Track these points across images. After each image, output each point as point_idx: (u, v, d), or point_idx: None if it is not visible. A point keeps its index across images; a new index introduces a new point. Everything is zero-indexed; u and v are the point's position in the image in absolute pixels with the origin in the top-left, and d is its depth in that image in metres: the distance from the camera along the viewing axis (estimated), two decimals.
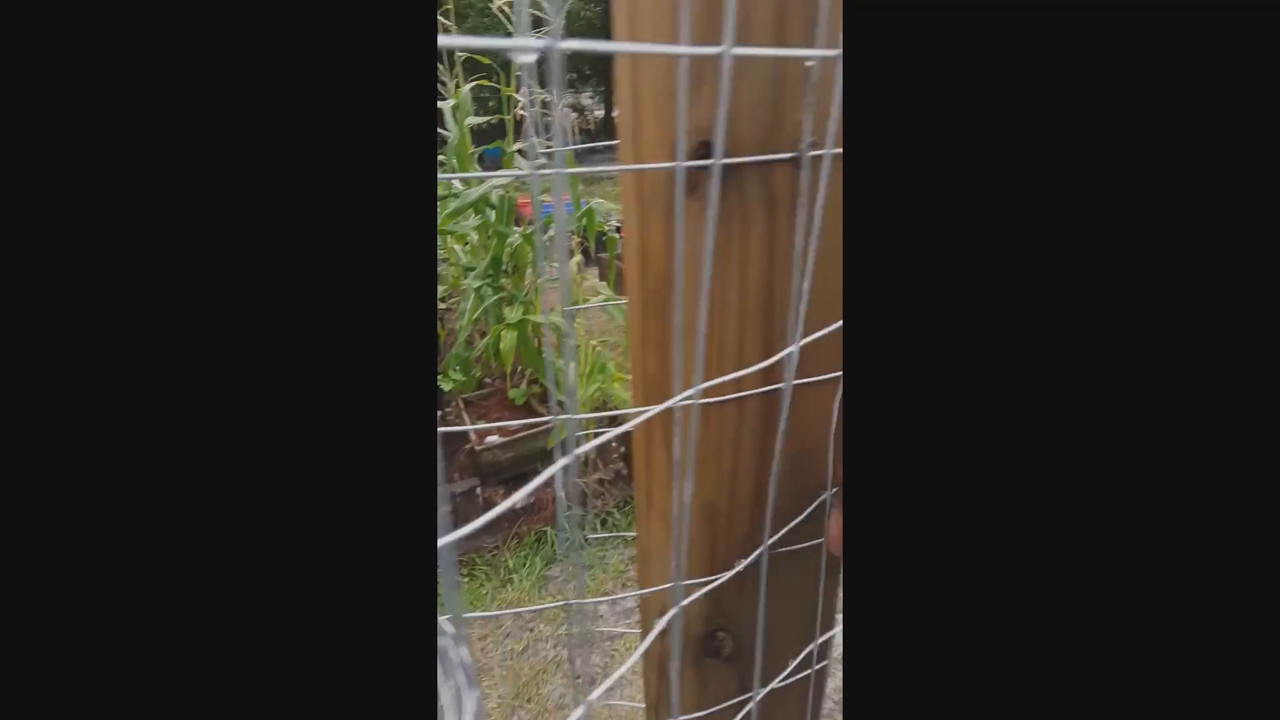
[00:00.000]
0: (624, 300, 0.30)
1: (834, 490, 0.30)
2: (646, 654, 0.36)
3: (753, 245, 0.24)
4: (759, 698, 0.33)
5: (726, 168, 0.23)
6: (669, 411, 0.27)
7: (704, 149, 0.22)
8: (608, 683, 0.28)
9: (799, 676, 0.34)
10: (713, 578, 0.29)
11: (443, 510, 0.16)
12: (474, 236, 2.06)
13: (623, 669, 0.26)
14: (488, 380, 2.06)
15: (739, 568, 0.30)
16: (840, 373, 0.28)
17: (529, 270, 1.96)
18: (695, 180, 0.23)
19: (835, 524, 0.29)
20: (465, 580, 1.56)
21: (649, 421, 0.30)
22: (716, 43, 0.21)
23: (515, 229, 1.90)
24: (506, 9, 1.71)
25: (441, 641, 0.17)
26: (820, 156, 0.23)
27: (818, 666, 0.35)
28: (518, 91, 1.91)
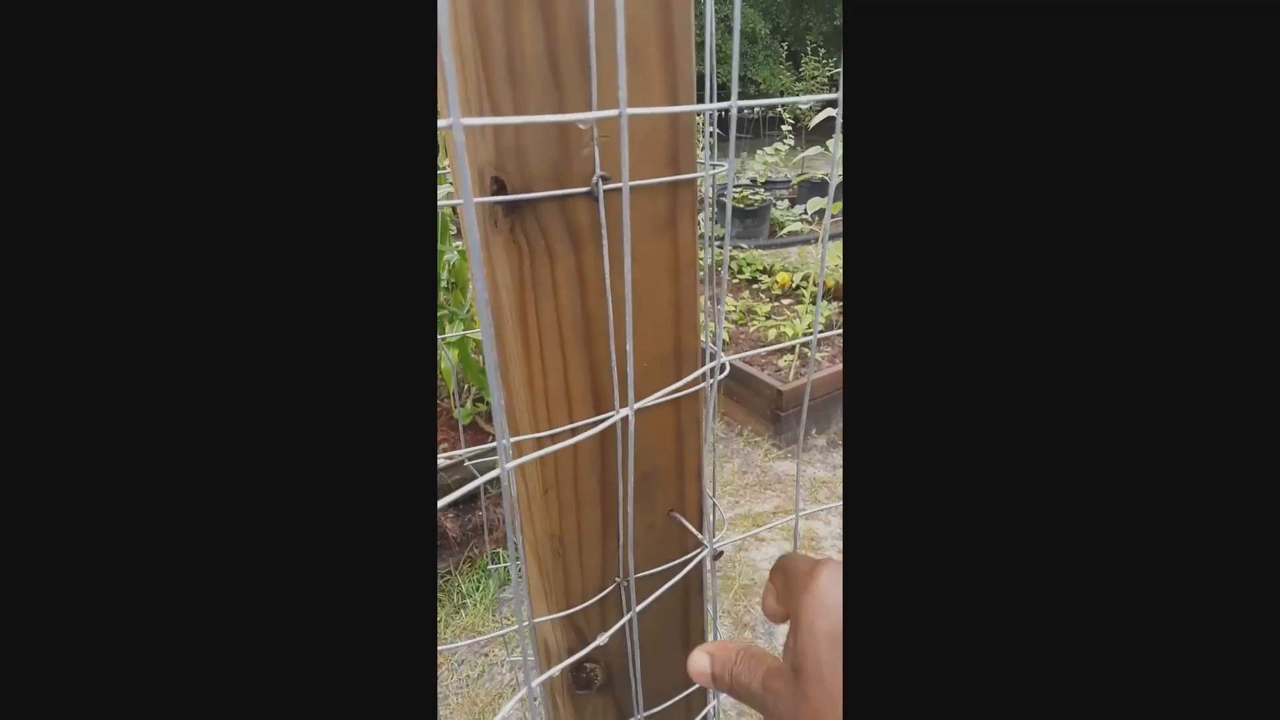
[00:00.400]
0: None
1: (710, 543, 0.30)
2: (543, 686, 0.35)
3: (561, 277, 0.24)
4: None
5: (525, 202, 0.23)
6: (523, 441, 0.27)
7: (497, 184, 0.22)
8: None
9: (680, 698, 0.34)
10: (561, 612, 0.29)
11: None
12: None
13: (506, 708, 0.25)
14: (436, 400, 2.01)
15: (595, 599, 0.29)
16: (674, 395, 0.28)
17: (469, 287, 1.93)
18: (495, 214, 0.23)
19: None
20: None
21: (520, 449, 0.29)
22: (504, 83, 0.21)
23: (456, 244, 1.86)
24: None
25: None
26: (618, 190, 0.23)
27: (696, 687, 0.35)
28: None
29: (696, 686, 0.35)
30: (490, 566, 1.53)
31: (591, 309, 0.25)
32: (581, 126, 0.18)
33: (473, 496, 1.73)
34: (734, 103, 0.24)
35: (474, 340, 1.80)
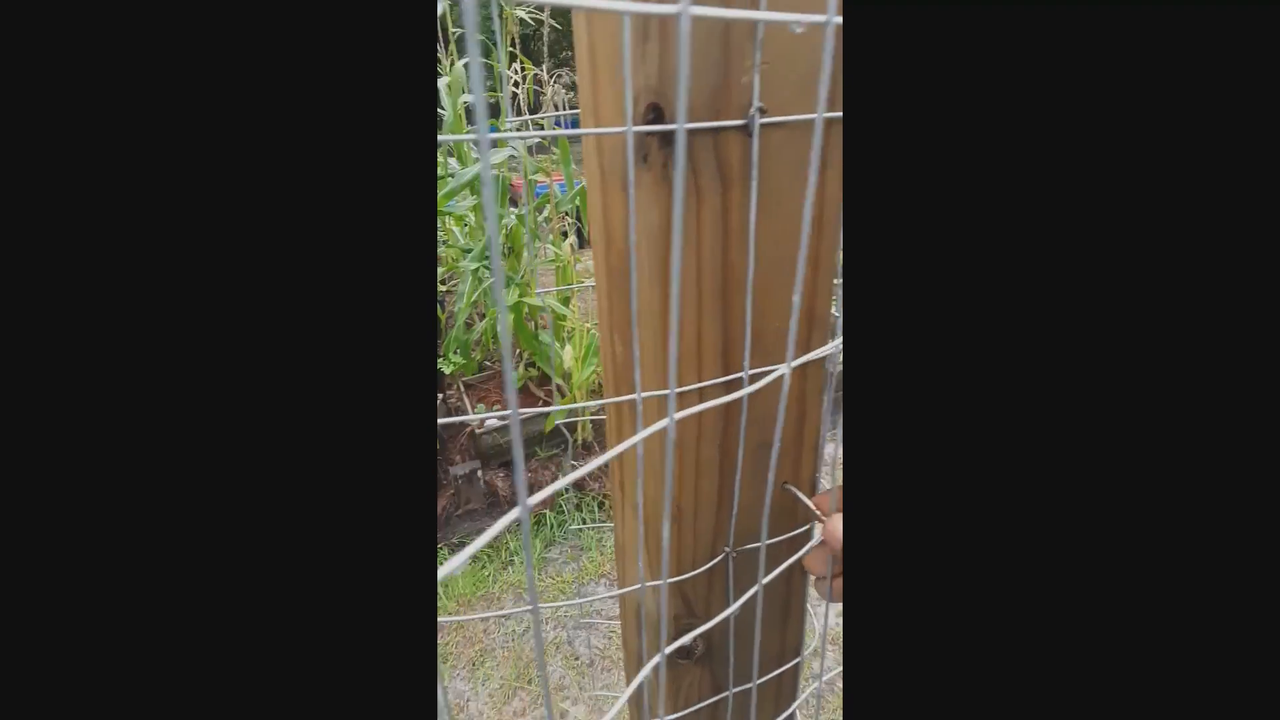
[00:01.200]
0: None
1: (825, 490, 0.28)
2: (626, 647, 0.35)
3: (706, 221, 0.22)
4: (733, 697, 0.32)
5: (675, 134, 0.20)
6: (635, 403, 0.25)
7: (653, 112, 0.20)
8: (615, 708, 0.27)
9: (773, 674, 0.33)
10: (669, 579, 0.28)
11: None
12: (471, 218, 2.04)
13: (626, 694, 0.24)
14: (488, 363, 2.05)
15: (704, 567, 0.28)
16: (802, 363, 0.26)
17: (525, 252, 1.93)
18: (647, 147, 0.21)
19: (834, 524, 0.27)
20: (468, 562, 1.57)
21: (619, 410, 0.28)
22: None
23: (512, 209, 1.87)
24: None
25: None
26: (773, 125, 0.21)
27: (791, 663, 0.33)
28: (509, 67, 1.86)
29: (790, 665, 0.34)
30: (578, 527, 1.57)
31: (733, 259, 0.23)
32: (797, 30, 0.16)
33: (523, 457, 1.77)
34: None
35: (527, 305, 1.81)
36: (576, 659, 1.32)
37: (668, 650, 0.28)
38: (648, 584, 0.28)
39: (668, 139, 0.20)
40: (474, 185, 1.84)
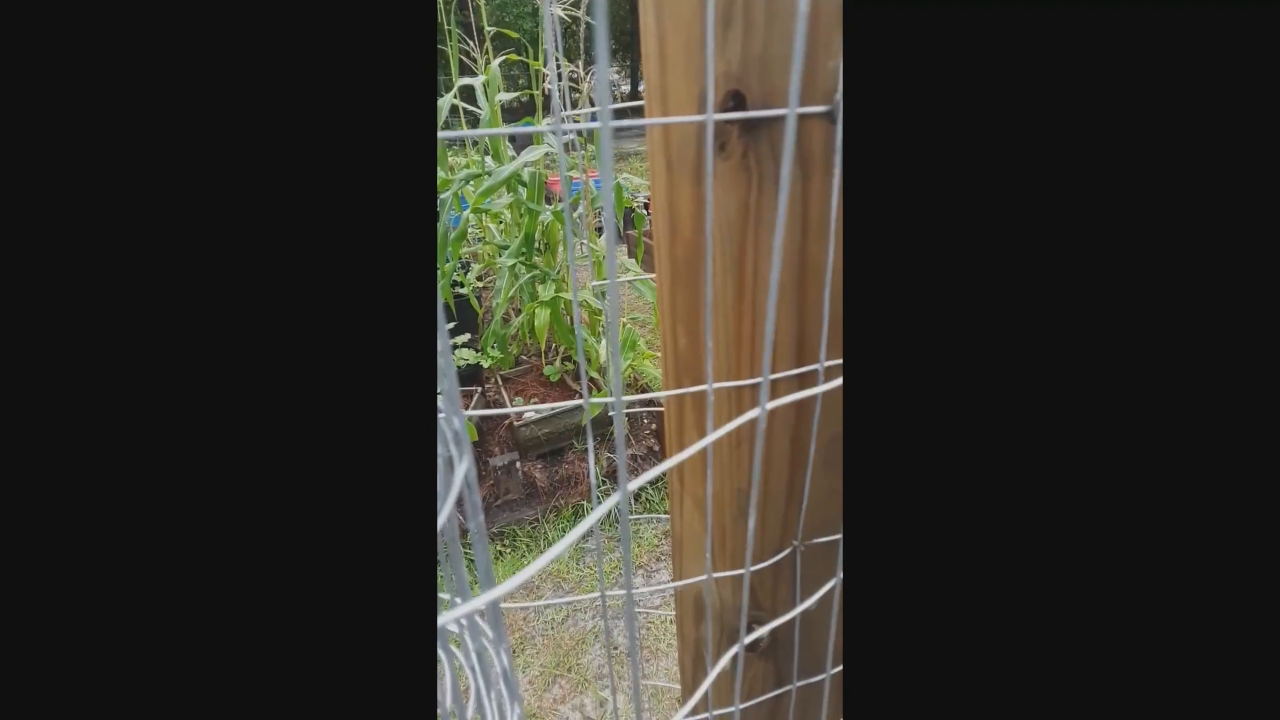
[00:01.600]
0: (653, 276, 0.28)
1: None
2: (681, 639, 0.35)
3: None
4: (797, 691, 0.32)
5: (756, 122, 0.20)
6: (701, 393, 0.25)
7: (733, 99, 0.20)
8: (691, 701, 0.27)
9: (837, 670, 0.33)
10: (739, 570, 0.28)
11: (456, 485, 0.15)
12: (507, 215, 2.06)
13: (698, 693, 0.24)
14: (524, 357, 2.08)
15: (771, 560, 0.28)
16: None
17: (561, 247, 1.95)
18: (725, 135, 0.21)
19: None
20: (508, 551, 1.60)
21: (680, 402, 0.28)
22: None
23: (547, 206, 1.89)
24: None
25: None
26: None
27: None
28: (546, 65, 1.87)
29: None
30: (615, 517, 1.60)
31: (810, 250, 0.22)
32: None
33: (559, 450, 1.79)
34: None
35: (564, 300, 1.83)
36: (616, 648, 1.34)
37: (746, 642, 0.28)
38: (715, 575, 0.28)
39: (748, 127, 0.20)
40: (510, 183, 1.86)
